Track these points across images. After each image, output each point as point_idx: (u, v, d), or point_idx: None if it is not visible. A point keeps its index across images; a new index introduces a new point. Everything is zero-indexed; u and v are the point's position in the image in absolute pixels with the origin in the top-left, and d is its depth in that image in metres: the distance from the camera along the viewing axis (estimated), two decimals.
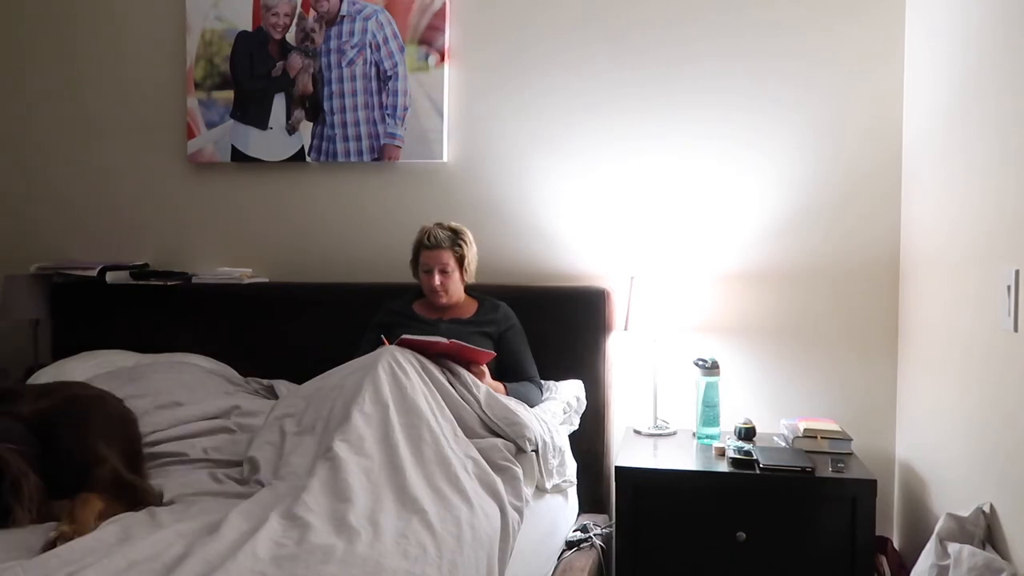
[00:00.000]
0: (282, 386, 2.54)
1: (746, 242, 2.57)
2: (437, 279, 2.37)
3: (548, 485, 2.07)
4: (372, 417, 1.81)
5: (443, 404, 1.98)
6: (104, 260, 2.92)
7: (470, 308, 2.46)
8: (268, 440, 1.93)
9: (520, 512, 1.75)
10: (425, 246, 2.40)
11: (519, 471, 1.87)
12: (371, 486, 1.63)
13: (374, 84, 2.78)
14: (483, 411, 2.01)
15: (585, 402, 2.44)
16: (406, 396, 1.90)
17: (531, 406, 2.23)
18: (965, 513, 1.72)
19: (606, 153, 2.66)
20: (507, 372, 2.37)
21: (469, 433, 1.97)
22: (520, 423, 1.99)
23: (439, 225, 2.44)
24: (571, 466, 2.23)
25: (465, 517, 1.56)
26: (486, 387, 2.09)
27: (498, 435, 2.00)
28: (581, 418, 2.43)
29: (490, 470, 1.82)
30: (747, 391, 2.57)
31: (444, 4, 2.72)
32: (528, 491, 1.88)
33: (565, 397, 2.37)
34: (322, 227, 2.88)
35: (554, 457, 2.09)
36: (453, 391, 2.03)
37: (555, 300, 2.55)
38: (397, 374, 1.96)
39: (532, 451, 1.99)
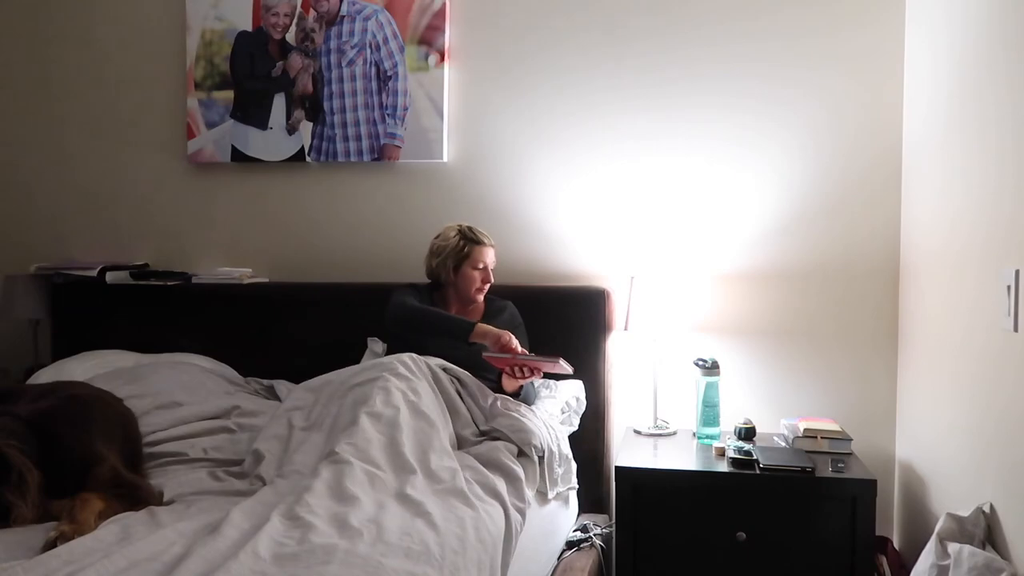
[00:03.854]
0: (282, 386, 2.53)
1: (746, 242, 2.58)
2: (487, 276, 2.39)
3: (552, 494, 2.07)
4: (380, 421, 1.81)
5: (450, 413, 1.98)
6: (104, 260, 2.92)
7: (478, 310, 2.46)
8: (275, 433, 1.93)
9: (523, 513, 1.75)
10: (480, 242, 2.39)
11: (521, 473, 1.87)
12: (374, 490, 1.62)
13: (374, 84, 2.78)
14: (490, 422, 2.02)
15: (585, 402, 2.44)
16: (415, 403, 1.89)
17: (529, 402, 2.25)
18: (965, 513, 1.72)
19: (606, 153, 2.66)
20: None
21: (474, 441, 1.97)
22: (527, 430, 2.00)
23: (469, 227, 2.44)
24: (574, 473, 2.22)
25: (468, 518, 1.56)
26: (494, 397, 2.10)
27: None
28: (581, 418, 2.43)
29: (493, 472, 1.82)
30: (747, 391, 2.57)
31: (444, 4, 2.73)
32: (530, 493, 1.88)
33: (564, 397, 2.38)
34: (322, 227, 2.88)
35: (559, 466, 2.09)
36: (461, 402, 2.04)
37: (555, 300, 2.55)
38: (409, 380, 1.96)
39: (538, 457, 1.99)
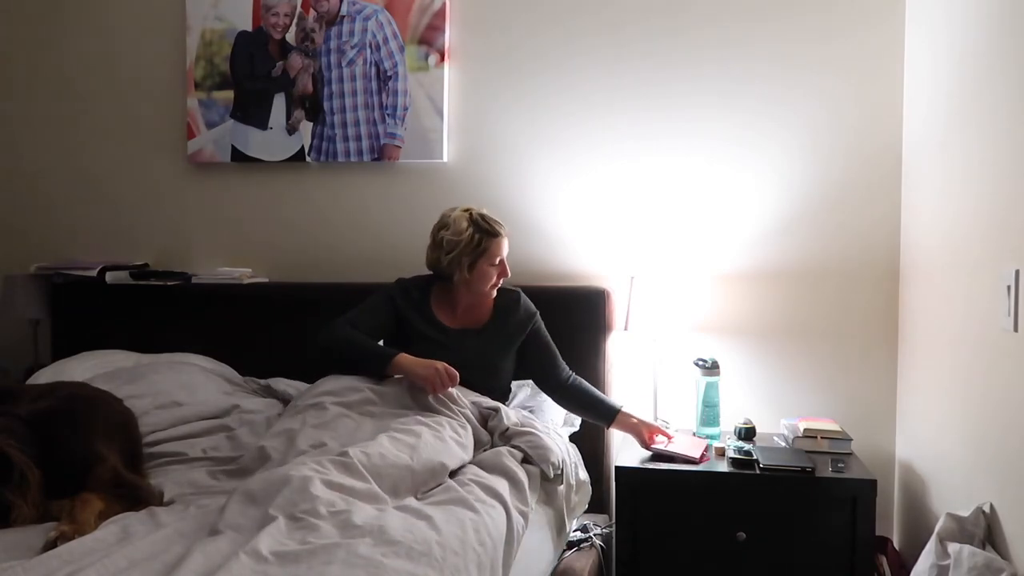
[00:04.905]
0: (280, 383, 2.53)
1: (746, 242, 2.58)
2: (504, 270, 2.21)
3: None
4: (398, 444, 1.78)
5: (471, 444, 1.96)
6: (104, 260, 2.92)
7: (486, 308, 2.28)
8: (285, 428, 1.91)
9: (525, 516, 1.75)
10: (497, 233, 2.17)
11: (524, 476, 1.86)
12: (380, 494, 1.62)
13: (374, 84, 2.78)
14: (509, 442, 2.00)
15: None
16: (439, 435, 1.86)
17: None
18: (965, 513, 1.73)
19: (606, 153, 2.66)
20: (540, 370, 2.29)
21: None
22: (546, 447, 1.97)
23: (480, 214, 2.21)
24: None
25: (469, 520, 1.55)
26: (517, 417, 2.07)
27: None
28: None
29: (496, 475, 1.81)
30: (747, 391, 2.57)
31: (444, 4, 2.73)
32: (532, 497, 1.87)
33: None
34: (322, 227, 2.88)
35: (576, 493, 2.07)
36: (486, 431, 2.03)
37: (555, 300, 2.54)
38: (436, 413, 1.94)
39: (554, 474, 1.97)
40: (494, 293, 2.25)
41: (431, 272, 2.28)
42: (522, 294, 2.32)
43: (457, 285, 2.22)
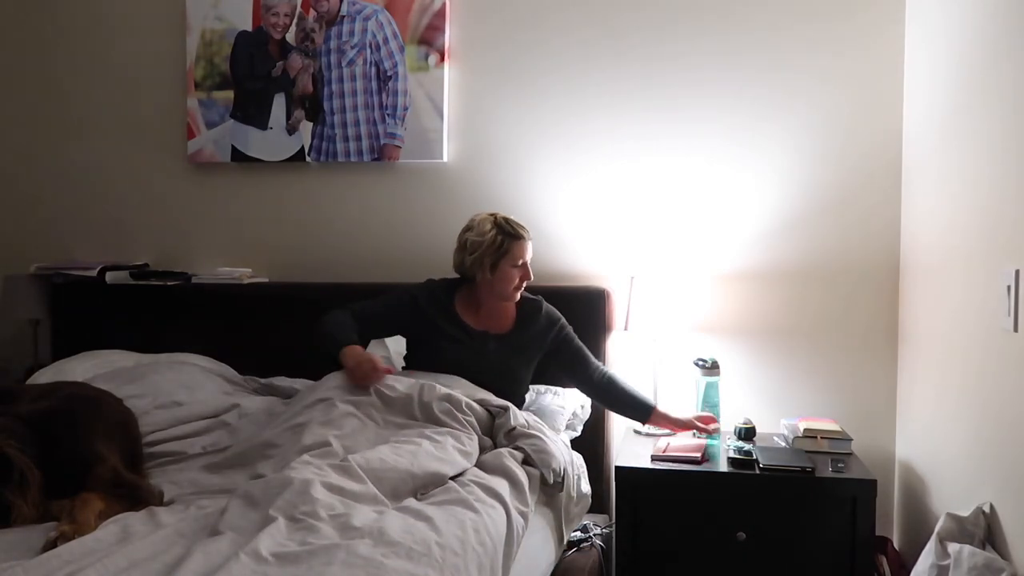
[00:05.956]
0: (281, 382, 2.52)
1: (746, 242, 2.58)
2: (526, 273, 2.24)
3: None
4: (399, 451, 1.78)
5: (476, 452, 1.94)
6: (104, 260, 2.92)
7: (509, 314, 2.31)
8: (294, 423, 1.91)
9: (525, 517, 1.74)
10: (519, 236, 2.21)
11: (524, 477, 1.86)
12: (379, 497, 1.62)
13: (374, 84, 2.78)
14: (513, 443, 1.99)
15: (589, 411, 2.43)
16: (438, 449, 1.84)
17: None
18: (965, 513, 1.73)
19: (606, 153, 2.66)
20: (574, 373, 2.32)
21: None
22: (549, 452, 1.96)
23: (505, 218, 2.25)
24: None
25: (469, 521, 1.55)
26: (525, 418, 2.06)
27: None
28: None
29: (496, 476, 1.81)
30: (747, 391, 2.57)
31: (444, 4, 2.73)
32: (532, 498, 1.87)
33: (571, 407, 2.37)
34: (322, 227, 2.88)
35: (576, 504, 2.07)
36: (487, 439, 2.02)
37: (555, 300, 2.53)
38: (441, 425, 1.93)
39: (555, 481, 1.96)
40: (517, 297, 2.28)
41: (459, 275, 2.32)
42: (544, 303, 2.35)
43: (480, 286, 2.25)
